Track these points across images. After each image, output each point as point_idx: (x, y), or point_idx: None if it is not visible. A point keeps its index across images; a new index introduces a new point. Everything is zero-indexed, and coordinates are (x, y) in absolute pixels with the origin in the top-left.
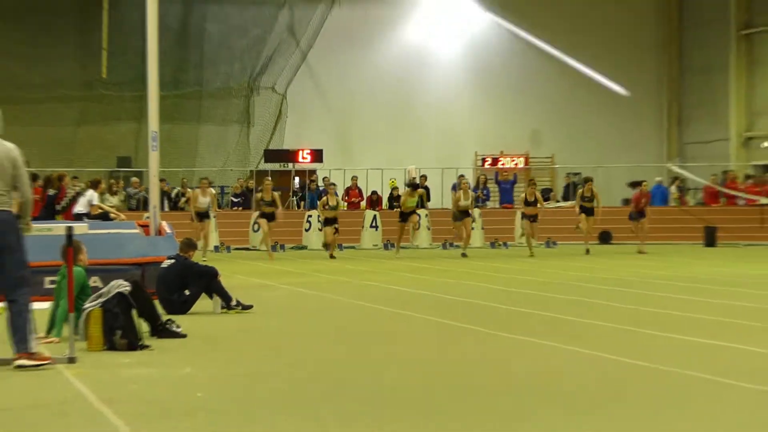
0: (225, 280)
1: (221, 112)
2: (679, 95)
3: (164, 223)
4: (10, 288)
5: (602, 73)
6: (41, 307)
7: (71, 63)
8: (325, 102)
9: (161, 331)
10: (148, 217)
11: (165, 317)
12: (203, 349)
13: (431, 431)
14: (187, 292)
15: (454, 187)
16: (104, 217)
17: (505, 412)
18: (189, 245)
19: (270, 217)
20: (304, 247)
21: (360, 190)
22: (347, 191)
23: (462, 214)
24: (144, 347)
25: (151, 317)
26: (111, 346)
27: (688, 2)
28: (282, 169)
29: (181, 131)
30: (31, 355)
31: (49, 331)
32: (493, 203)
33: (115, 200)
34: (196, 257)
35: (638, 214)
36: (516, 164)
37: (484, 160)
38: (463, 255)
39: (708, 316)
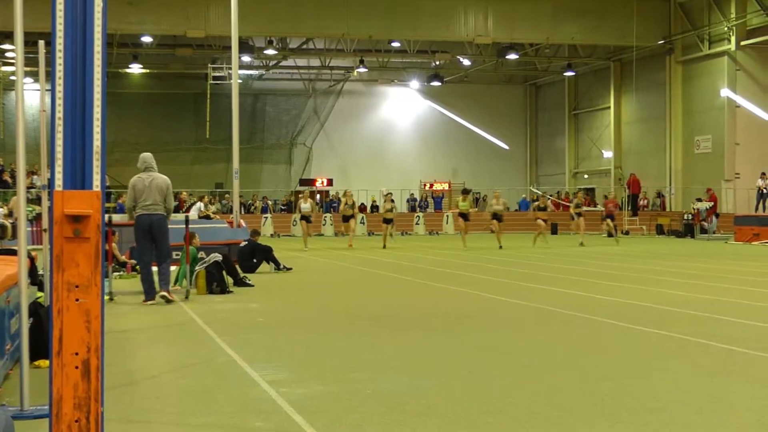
0: (276, 253)
1: (275, 157)
2: (537, 148)
3: (242, 221)
4: (160, 259)
5: (494, 135)
6: (171, 269)
7: (189, 129)
8: (334, 151)
9: (239, 283)
10: (232, 217)
11: (241, 275)
12: (264, 293)
13: (391, 333)
14: (254, 260)
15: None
16: (207, 217)
17: (431, 325)
18: (255, 233)
19: (347, 219)
20: (321, 235)
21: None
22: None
23: (494, 216)
24: (229, 292)
25: (234, 275)
26: (210, 291)
27: (541, 95)
28: (309, 189)
29: (251, 168)
30: (169, 293)
31: (175, 283)
32: (431, 209)
33: (213, 208)
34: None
35: (608, 216)
36: (443, 188)
37: (425, 185)
38: (501, 247)
39: (557, 274)
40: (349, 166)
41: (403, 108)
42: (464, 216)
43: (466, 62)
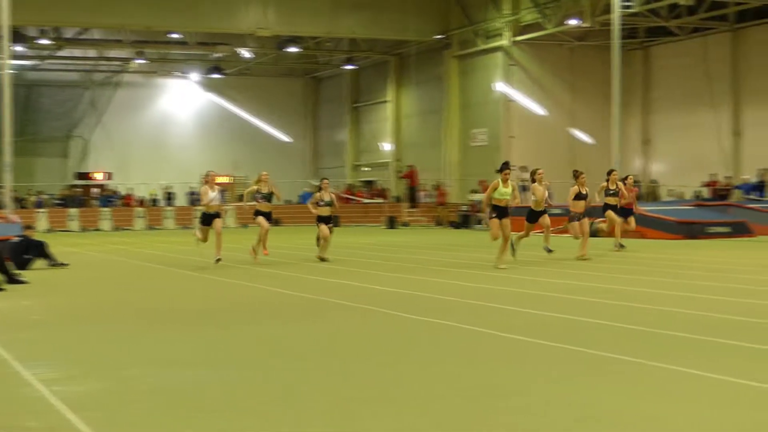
0: (52, 248)
1: (49, 151)
2: (317, 141)
3: (15, 216)
4: None
5: (275, 128)
6: None
7: None
8: (112, 144)
9: (12, 280)
10: (4, 212)
11: (14, 271)
12: (38, 289)
13: (173, 328)
14: (28, 256)
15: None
16: None
17: (214, 320)
18: (28, 227)
19: (268, 216)
20: (99, 229)
21: (132, 197)
22: (126, 197)
23: (537, 214)
24: (1, 290)
25: (5, 272)
26: None
27: (322, 88)
28: (86, 183)
29: (24, 161)
30: None
31: None
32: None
33: None
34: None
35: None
36: (225, 181)
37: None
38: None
39: (345, 267)
40: (128, 160)
41: (183, 100)
42: (502, 211)
43: (247, 55)
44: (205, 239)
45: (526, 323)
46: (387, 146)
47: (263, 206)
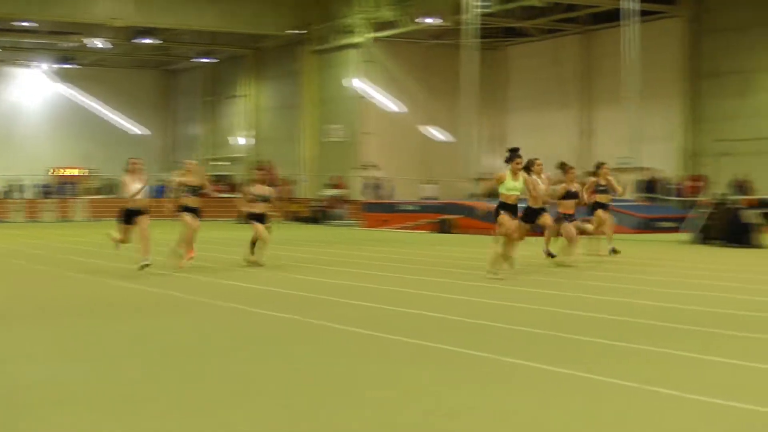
0: None
1: None
2: (173, 134)
3: None
4: None
5: (130, 120)
6: None
7: None
8: None
9: None
10: None
11: None
12: None
13: (28, 322)
14: None
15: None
16: None
17: (71, 314)
18: None
19: (196, 213)
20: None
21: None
22: None
23: (535, 212)
24: None
25: None
26: None
27: (179, 81)
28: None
29: None
30: None
31: None
32: (61, 196)
33: None
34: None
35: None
36: (75, 174)
37: (51, 170)
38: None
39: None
40: None
41: (32, 91)
42: (512, 209)
43: (100, 45)
44: (125, 240)
45: (393, 321)
46: (242, 140)
47: (190, 201)
